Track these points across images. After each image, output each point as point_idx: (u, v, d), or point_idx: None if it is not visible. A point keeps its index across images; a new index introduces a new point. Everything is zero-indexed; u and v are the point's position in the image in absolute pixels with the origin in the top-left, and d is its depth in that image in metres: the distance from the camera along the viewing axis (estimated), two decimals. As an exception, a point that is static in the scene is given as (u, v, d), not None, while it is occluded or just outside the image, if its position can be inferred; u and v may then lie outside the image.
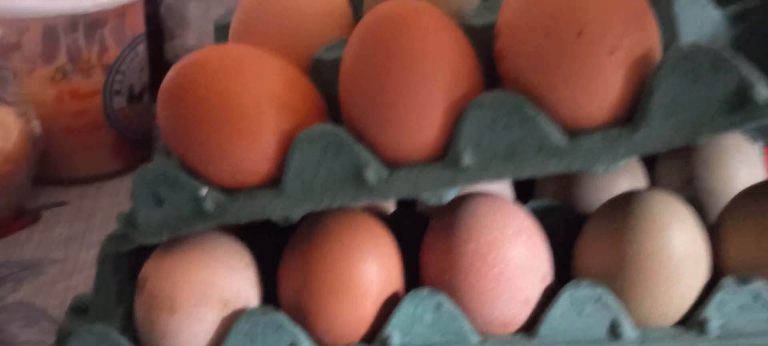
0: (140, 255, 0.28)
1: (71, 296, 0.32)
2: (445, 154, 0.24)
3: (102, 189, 0.46)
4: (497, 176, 0.24)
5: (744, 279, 0.25)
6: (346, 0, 0.30)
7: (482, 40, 0.26)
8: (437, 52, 0.23)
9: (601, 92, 0.23)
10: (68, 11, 0.43)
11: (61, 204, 0.44)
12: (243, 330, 0.25)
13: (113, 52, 0.45)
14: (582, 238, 0.27)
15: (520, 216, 0.26)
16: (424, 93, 0.23)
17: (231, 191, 0.25)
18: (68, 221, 0.43)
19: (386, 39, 0.24)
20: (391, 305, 0.26)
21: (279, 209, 0.24)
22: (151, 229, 0.26)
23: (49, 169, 0.45)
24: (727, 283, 0.25)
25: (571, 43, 0.22)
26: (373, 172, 0.24)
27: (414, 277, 0.27)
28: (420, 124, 0.24)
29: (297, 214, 0.25)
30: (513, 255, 0.25)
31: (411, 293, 0.26)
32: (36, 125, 0.42)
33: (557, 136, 0.23)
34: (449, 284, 0.26)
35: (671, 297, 0.26)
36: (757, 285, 0.25)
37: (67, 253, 0.39)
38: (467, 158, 0.24)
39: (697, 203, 0.28)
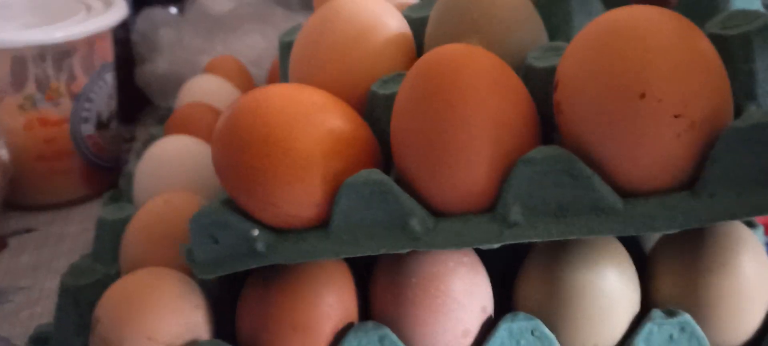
0: (100, 289, 0.29)
1: (36, 325, 0.33)
2: (492, 207, 0.24)
3: (70, 215, 0.47)
4: (547, 234, 0.23)
5: (671, 312, 0.27)
6: (410, 35, 0.30)
7: (544, 84, 0.26)
8: (489, 102, 0.23)
9: (661, 156, 0.22)
10: (37, 42, 0.43)
11: (28, 231, 0.45)
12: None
13: (81, 81, 0.46)
14: (522, 271, 0.29)
15: (462, 250, 0.28)
16: (474, 143, 0.23)
17: (281, 232, 0.26)
18: (36, 247, 0.43)
19: (438, 84, 0.23)
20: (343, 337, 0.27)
21: (327, 251, 0.25)
22: (209, 265, 0.26)
23: (17, 195, 0.46)
24: (656, 315, 0.27)
25: (632, 103, 0.21)
26: (418, 222, 0.24)
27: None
28: (468, 175, 0.23)
29: (344, 256, 0.25)
30: (453, 288, 0.27)
31: (355, 327, 0.27)
32: (4, 153, 0.43)
33: (612, 198, 0.23)
34: (394, 316, 0.27)
35: (602, 330, 0.27)
36: (684, 318, 0.27)
37: (34, 281, 0.40)
38: (515, 214, 0.23)
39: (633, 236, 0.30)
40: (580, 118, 0.23)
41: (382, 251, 0.24)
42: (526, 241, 0.23)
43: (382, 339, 0.27)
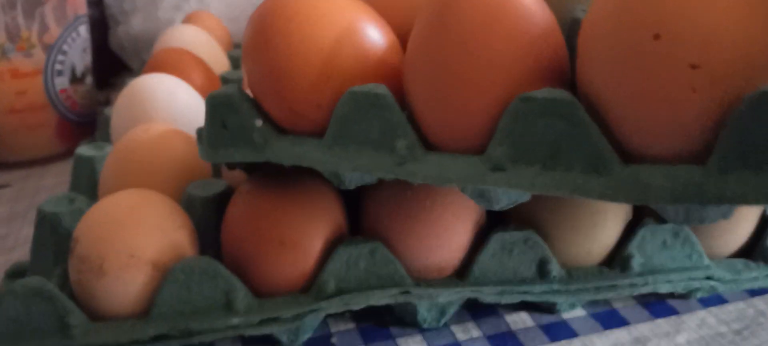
0: (78, 215, 0.28)
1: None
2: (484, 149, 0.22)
3: (46, 171, 0.46)
4: (530, 185, 0.21)
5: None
6: None
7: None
8: (497, 45, 0.21)
9: (671, 114, 0.18)
10: (7, -10, 0.42)
11: (2, 186, 0.44)
12: (178, 279, 0.25)
13: (54, 32, 0.45)
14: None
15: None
16: (474, 81, 0.21)
17: (282, 131, 0.25)
18: (11, 200, 0.42)
19: (448, 13, 0.21)
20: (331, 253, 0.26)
21: (318, 160, 0.24)
22: (213, 150, 0.26)
23: (-10, 151, 0.45)
24: (649, 222, 0.27)
25: (644, 45, 0.18)
26: (406, 146, 0.23)
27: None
28: (464, 112, 0.22)
29: (338, 169, 0.24)
30: (449, 201, 0.26)
31: (345, 242, 0.26)
32: (-25, 106, 0.42)
33: (609, 156, 0.20)
34: (387, 231, 0.27)
35: (595, 237, 0.27)
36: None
37: (9, 230, 0.39)
38: (501, 156, 0.21)
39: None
40: (591, 63, 0.20)
41: (368, 171, 0.23)
42: (510, 188, 0.21)
43: (372, 252, 0.26)
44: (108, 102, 0.58)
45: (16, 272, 0.30)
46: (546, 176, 0.20)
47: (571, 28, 0.24)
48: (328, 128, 0.24)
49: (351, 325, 0.29)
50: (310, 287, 0.26)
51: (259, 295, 0.26)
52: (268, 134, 0.25)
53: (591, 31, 0.20)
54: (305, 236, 0.26)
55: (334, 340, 0.28)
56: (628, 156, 0.20)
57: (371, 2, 0.26)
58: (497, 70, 0.21)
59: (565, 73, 0.22)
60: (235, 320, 0.25)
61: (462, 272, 0.27)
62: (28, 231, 0.38)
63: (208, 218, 0.28)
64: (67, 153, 0.47)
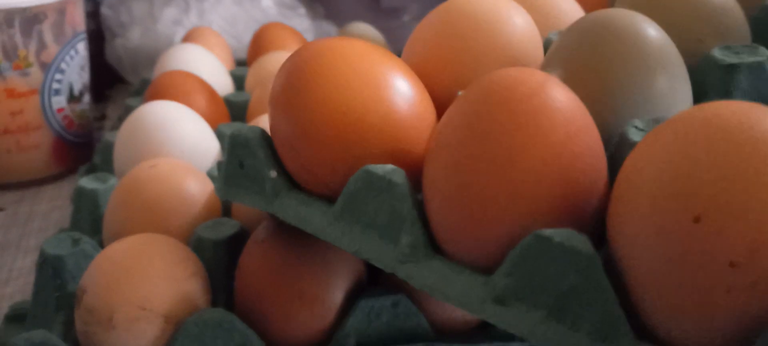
0: (82, 259, 0.27)
1: (7, 306, 0.30)
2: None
3: (40, 194, 0.44)
4: (531, 332, 0.18)
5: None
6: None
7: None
8: (530, 162, 0.18)
9: (701, 312, 0.16)
10: (4, 6, 0.41)
11: (-5, 209, 0.42)
12: (191, 333, 0.24)
13: (52, 50, 0.43)
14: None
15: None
16: (497, 194, 0.18)
17: (295, 188, 0.24)
18: (3, 226, 0.40)
19: (493, 109, 0.19)
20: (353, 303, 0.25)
21: (321, 229, 0.22)
22: (228, 186, 0.25)
23: (-18, 173, 0.43)
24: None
25: (682, 225, 0.15)
26: (409, 244, 0.20)
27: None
28: (482, 223, 0.19)
29: (340, 245, 0.22)
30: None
31: (367, 293, 0.25)
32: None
33: (622, 330, 0.17)
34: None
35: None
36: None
37: (2, 261, 0.37)
38: (504, 285, 0.18)
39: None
40: (623, 218, 0.17)
41: (369, 259, 0.21)
42: (506, 327, 0.18)
43: (395, 305, 0.25)
44: (103, 116, 0.56)
45: (16, 315, 0.28)
46: (549, 326, 0.17)
47: (617, 145, 0.21)
48: (337, 200, 0.22)
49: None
50: (329, 341, 0.25)
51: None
52: (280, 187, 0.24)
53: (630, 181, 0.17)
54: (326, 288, 0.25)
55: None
56: (643, 330, 0.17)
57: (422, 61, 0.24)
58: (522, 189, 0.18)
59: (601, 201, 0.19)
60: (252, 378, 0.24)
61: (485, 326, 0.26)
62: (22, 262, 0.37)
63: (218, 262, 0.27)
64: (62, 174, 0.46)
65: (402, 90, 0.22)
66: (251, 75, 0.46)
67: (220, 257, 0.27)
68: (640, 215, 0.16)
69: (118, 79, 0.60)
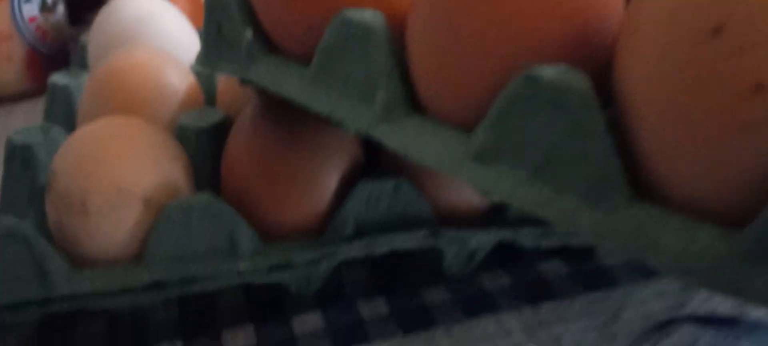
0: (54, 148, 0.25)
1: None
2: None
3: (14, 109, 0.42)
4: (510, 194, 0.15)
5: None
6: None
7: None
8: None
9: (712, 155, 0.12)
10: None
11: (-35, 126, 0.40)
12: (175, 219, 0.21)
13: (21, -46, 0.40)
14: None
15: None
16: (483, 32, 0.16)
17: (273, 51, 0.22)
18: (-26, 142, 0.38)
19: None
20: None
21: (299, 94, 0.20)
22: (208, 56, 0.23)
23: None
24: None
25: (698, 40, 0.12)
26: (383, 100, 0.18)
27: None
28: (466, 70, 0.16)
29: (318, 110, 0.20)
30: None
31: (366, 177, 0.23)
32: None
33: (614, 185, 0.14)
34: (409, 166, 0.23)
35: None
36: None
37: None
38: (483, 141, 0.16)
39: None
40: (631, 50, 0.14)
41: (346, 124, 0.19)
42: (481, 190, 0.16)
43: (396, 189, 0.23)
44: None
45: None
46: (529, 188, 0.15)
47: None
48: (314, 58, 0.20)
49: (365, 273, 0.26)
50: (326, 229, 0.23)
51: (266, 238, 0.23)
52: (257, 50, 0.21)
53: (640, 7, 0.14)
54: (319, 171, 0.23)
55: (347, 291, 0.25)
56: (644, 188, 0.14)
57: None
58: (512, 24, 0.15)
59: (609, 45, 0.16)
60: (242, 265, 0.22)
61: (494, 211, 0.24)
62: (-4, 172, 0.34)
63: (203, 152, 0.25)
64: (38, 90, 0.43)
65: None
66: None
67: (204, 146, 0.25)
68: (649, 38, 0.13)
69: (97, 3, 0.57)
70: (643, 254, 0.13)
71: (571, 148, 0.14)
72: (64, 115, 0.29)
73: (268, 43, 0.21)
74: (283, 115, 0.23)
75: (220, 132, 0.25)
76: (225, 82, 0.29)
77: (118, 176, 0.21)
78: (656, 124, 0.13)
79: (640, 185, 0.14)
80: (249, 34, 0.21)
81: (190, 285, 0.22)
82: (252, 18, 0.21)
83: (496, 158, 0.15)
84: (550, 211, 0.15)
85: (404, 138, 0.17)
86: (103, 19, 0.31)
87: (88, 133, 0.23)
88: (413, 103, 0.18)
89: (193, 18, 0.35)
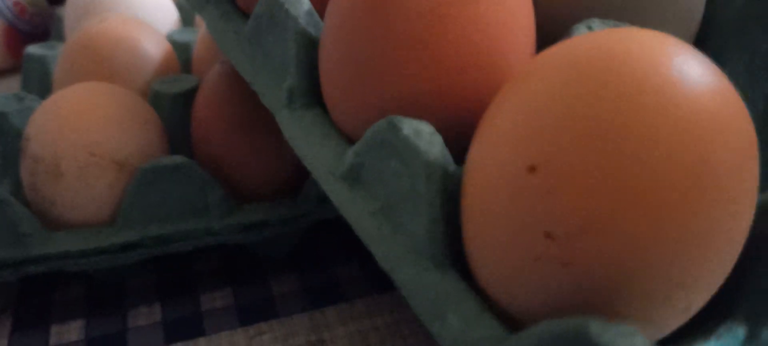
0: (29, 115, 0.25)
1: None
2: None
3: (-7, 86, 0.42)
4: (357, 218, 0.16)
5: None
6: None
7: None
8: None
9: (517, 287, 0.13)
10: None
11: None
12: (148, 180, 0.22)
13: (-3, -71, 0.40)
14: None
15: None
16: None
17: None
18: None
19: None
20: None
21: (230, 52, 0.20)
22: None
23: (-71, 63, 0.40)
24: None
25: (515, 175, 0.12)
26: (288, 88, 0.18)
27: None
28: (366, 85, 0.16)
29: (243, 74, 0.20)
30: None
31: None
32: None
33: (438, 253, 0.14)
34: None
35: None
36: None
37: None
38: (351, 165, 0.16)
39: None
40: (472, 157, 0.14)
41: (257, 92, 0.19)
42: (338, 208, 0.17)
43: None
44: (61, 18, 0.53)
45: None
46: (373, 220, 0.15)
47: None
48: (249, 19, 0.19)
49: (340, 236, 0.26)
50: (295, 192, 0.23)
51: (239, 199, 0.23)
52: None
53: (486, 115, 0.14)
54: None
55: (322, 252, 0.25)
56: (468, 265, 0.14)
57: None
58: (397, 56, 0.15)
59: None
60: (214, 225, 0.22)
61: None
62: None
63: (177, 117, 0.25)
64: (17, 68, 0.43)
65: None
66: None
67: (178, 111, 0.25)
68: (483, 152, 0.13)
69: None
70: (433, 322, 0.14)
71: (409, 202, 0.14)
72: (40, 85, 0.29)
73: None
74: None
75: (193, 98, 0.25)
76: (200, 50, 0.29)
77: (91, 139, 0.22)
78: (479, 234, 0.13)
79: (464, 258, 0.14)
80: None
81: (165, 246, 0.22)
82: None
83: (356, 183, 0.16)
84: (382, 249, 0.15)
85: (296, 131, 0.18)
86: (78, -11, 0.31)
87: (61, 98, 0.23)
88: (319, 98, 0.18)
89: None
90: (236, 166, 0.23)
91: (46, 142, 0.22)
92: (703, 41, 0.19)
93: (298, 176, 0.23)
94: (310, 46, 0.17)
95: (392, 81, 0.15)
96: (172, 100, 0.25)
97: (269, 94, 0.18)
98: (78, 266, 0.22)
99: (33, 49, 0.30)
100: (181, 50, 0.30)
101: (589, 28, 0.16)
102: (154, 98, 0.25)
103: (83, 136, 0.22)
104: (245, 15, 0.20)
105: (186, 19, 0.41)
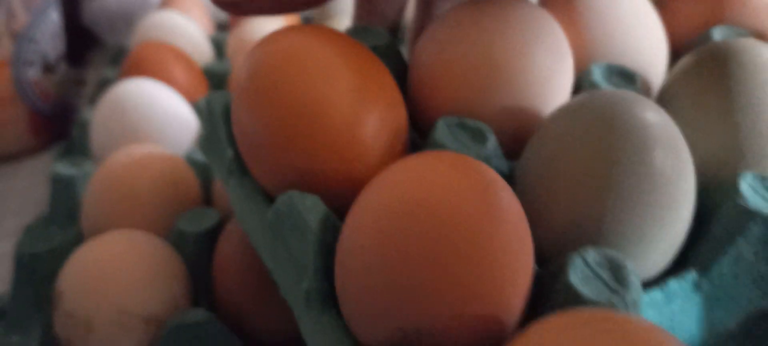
0: (61, 255, 0.26)
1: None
2: None
3: (17, 170, 0.43)
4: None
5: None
6: None
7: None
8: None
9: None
10: (-32, -24, 0.39)
11: (-28, 187, 0.41)
12: (173, 338, 0.23)
13: (22, 19, 0.41)
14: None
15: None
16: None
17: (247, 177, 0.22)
18: (-19, 206, 0.39)
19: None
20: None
21: (254, 233, 0.21)
22: (206, 146, 0.24)
23: (-44, 149, 0.42)
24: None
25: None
26: (306, 288, 0.19)
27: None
28: None
29: (267, 264, 0.21)
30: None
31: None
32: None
33: None
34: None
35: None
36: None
37: (-19, 243, 0.36)
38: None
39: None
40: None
41: (281, 289, 0.20)
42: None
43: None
44: (82, 82, 0.55)
45: (-4, 312, 0.28)
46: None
47: None
48: (270, 209, 0.20)
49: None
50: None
51: (257, 344, 0.24)
52: (235, 168, 0.22)
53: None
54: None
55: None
56: None
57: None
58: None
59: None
60: (235, 380, 0.23)
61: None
62: (1, 245, 0.36)
63: (200, 255, 0.26)
64: (40, 148, 0.45)
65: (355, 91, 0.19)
66: (232, 41, 0.44)
67: (201, 249, 0.26)
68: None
69: (95, 42, 0.58)
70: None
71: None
72: (67, 205, 0.31)
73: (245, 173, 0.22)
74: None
75: (216, 235, 0.26)
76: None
77: (120, 299, 0.23)
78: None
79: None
80: (230, 153, 0.22)
81: (189, 398, 0.23)
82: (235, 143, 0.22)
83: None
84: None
85: (310, 333, 0.18)
86: (104, 105, 0.33)
87: (91, 253, 0.24)
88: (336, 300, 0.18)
89: (189, 91, 0.37)
90: (253, 317, 0.24)
91: (78, 300, 0.23)
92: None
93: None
94: (327, 252, 0.18)
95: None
96: (196, 239, 0.26)
97: (292, 293, 0.19)
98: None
99: (60, 167, 0.31)
100: (201, 170, 0.31)
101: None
102: (178, 237, 0.26)
103: (113, 295, 0.23)
104: (269, 198, 0.21)
105: (219, 50, 0.43)
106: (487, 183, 0.16)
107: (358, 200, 0.17)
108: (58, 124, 0.45)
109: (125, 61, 0.38)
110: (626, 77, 0.22)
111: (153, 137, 0.32)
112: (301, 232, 0.18)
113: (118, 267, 0.23)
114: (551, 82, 0.20)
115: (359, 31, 0.23)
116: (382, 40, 0.23)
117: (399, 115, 0.20)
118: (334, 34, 0.20)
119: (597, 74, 0.22)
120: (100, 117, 0.33)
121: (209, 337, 0.23)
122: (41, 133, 0.44)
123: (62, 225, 0.30)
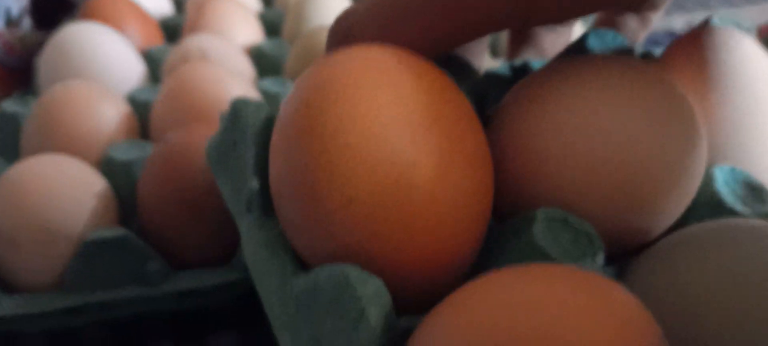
0: None
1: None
2: None
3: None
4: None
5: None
6: None
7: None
8: None
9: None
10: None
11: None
12: (90, 252, 0.24)
13: (-15, -26, 0.42)
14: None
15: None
16: None
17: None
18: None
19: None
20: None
21: (270, 298, 0.18)
22: (218, 159, 0.21)
23: None
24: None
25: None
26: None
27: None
28: None
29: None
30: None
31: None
32: None
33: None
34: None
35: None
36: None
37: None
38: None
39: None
40: None
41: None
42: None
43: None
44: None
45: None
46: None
47: None
48: (300, 280, 0.17)
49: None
50: (234, 255, 0.26)
51: (176, 265, 0.25)
52: (256, 205, 0.19)
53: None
54: (222, 211, 0.25)
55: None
56: None
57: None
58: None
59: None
60: (152, 293, 0.24)
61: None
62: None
63: (129, 184, 0.27)
64: (4, 98, 0.46)
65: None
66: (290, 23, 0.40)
67: (130, 177, 0.27)
68: None
69: (69, 7, 0.59)
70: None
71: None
72: (13, 141, 0.32)
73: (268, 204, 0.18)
74: (192, 157, 0.25)
75: (144, 165, 0.27)
76: (158, 111, 0.31)
77: (43, 216, 0.24)
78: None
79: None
80: (255, 185, 0.18)
81: (108, 311, 0.24)
82: (264, 173, 0.18)
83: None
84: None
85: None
86: (51, 46, 0.34)
87: (16, 174, 0.25)
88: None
89: (142, 41, 0.38)
90: (176, 236, 0.25)
91: (4, 217, 0.24)
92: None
93: (233, 244, 0.25)
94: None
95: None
96: (123, 167, 0.27)
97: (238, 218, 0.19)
98: (31, 327, 0.24)
99: (7, 105, 0.32)
100: (142, 109, 0.32)
101: None
102: (107, 165, 0.27)
103: (37, 213, 0.24)
104: (295, 256, 0.17)
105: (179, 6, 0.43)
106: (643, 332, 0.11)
107: (433, 325, 0.13)
108: (24, 80, 0.46)
109: (80, 10, 0.39)
110: (756, 193, 0.18)
111: (96, 79, 0.33)
112: (353, 323, 0.14)
113: (43, 186, 0.25)
114: (677, 189, 0.16)
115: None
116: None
117: (486, 176, 0.16)
118: (414, 59, 0.16)
119: (720, 182, 0.18)
120: (46, 58, 0.34)
121: (126, 251, 0.24)
122: (7, 88, 0.45)
123: (9, 159, 0.31)
